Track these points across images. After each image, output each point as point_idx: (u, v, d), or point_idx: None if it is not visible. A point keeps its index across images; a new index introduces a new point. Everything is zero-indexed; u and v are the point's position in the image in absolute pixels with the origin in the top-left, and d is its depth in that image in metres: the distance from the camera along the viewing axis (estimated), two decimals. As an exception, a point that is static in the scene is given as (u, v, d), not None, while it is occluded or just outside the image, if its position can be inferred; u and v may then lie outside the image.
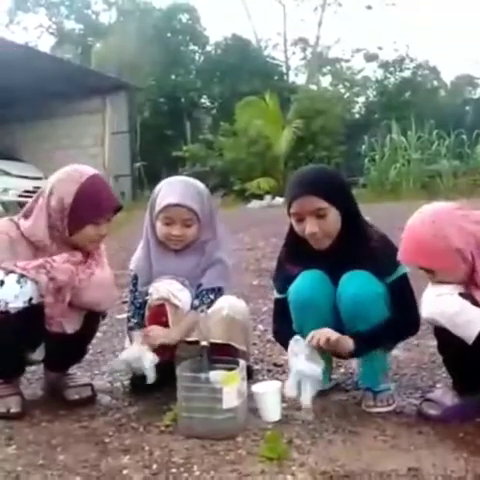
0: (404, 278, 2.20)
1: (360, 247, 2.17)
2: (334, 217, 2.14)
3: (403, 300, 2.18)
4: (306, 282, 2.19)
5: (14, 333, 2.14)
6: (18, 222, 2.29)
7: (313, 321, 2.16)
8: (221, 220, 2.55)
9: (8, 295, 2.12)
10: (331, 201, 2.13)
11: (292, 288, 2.22)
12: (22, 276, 2.14)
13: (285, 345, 2.22)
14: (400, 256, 2.05)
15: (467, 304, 1.94)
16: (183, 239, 2.38)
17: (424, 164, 14.69)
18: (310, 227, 2.13)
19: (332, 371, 2.47)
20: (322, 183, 2.16)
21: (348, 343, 2.12)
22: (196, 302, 2.34)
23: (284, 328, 2.27)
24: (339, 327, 2.16)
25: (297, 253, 2.25)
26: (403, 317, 2.16)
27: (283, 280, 2.29)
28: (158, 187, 2.45)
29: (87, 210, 2.22)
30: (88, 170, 2.30)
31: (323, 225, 2.13)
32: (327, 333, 2.10)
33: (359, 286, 2.12)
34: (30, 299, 2.16)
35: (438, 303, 1.99)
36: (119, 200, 2.40)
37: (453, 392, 2.14)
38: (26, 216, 2.29)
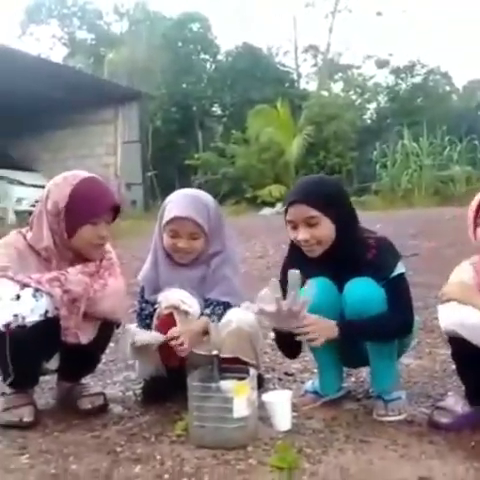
0: (401, 277, 2.20)
1: (357, 255, 2.18)
2: (326, 226, 2.17)
3: (397, 299, 2.16)
4: (313, 290, 2.21)
5: (31, 346, 2.16)
6: (25, 234, 2.33)
7: None
8: (231, 231, 2.55)
9: (24, 309, 2.14)
10: (323, 210, 2.15)
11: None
12: (37, 290, 2.17)
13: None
14: None
15: None
16: (189, 252, 2.40)
17: (436, 170, 14.61)
18: (301, 234, 2.18)
19: (343, 380, 2.47)
20: (315, 192, 2.18)
21: (333, 329, 2.13)
22: (207, 311, 2.35)
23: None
24: None
25: (298, 263, 2.27)
26: (394, 315, 2.14)
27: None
28: (167, 199, 2.48)
29: (82, 210, 2.24)
30: (83, 173, 2.34)
31: (315, 233, 2.17)
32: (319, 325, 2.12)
33: (364, 293, 2.14)
34: (46, 312, 2.18)
35: (457, 314, 2.00)
36: (117, 199, 2.40)
37: (464, 400, 2.14)
38: (31, 227, 2.33)
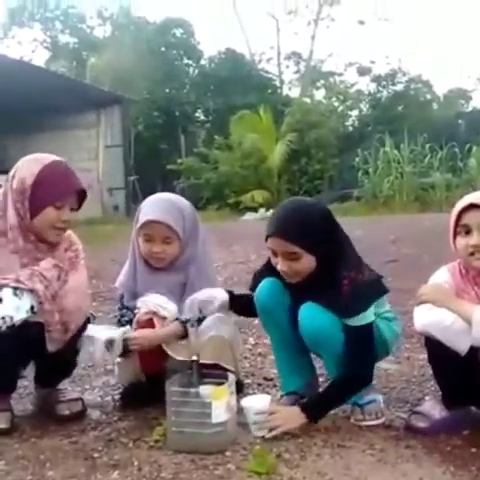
0: (367, 328, 2.13)
1: (331, 286, 2.10)
2: (306, 261, 2.10)
3: (359, 352, 2.12)
4: (264, 288, 2.28)
5: (19, 345, 2.13)
6: None
7: (272, 325, 2.32)
8: (208, 236, 2.56)
9: (10, 309, 2.12)
10: (304, 248, 2.08)
11: (255, 294, 2.31)
12: (16, 288, 2.14)
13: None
14: None
15: (459, 318, 1.96)
16: (164, 256, 2.39)
17: (417, 177, 14.79)
18: (281, 265, 2.14)
19: (320, 384, 2.48)
20: (296, 228, 2.07)
21: (299, 417, 2.12)
22: (187, 316, 2.34)
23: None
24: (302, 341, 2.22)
25: (272, 274, 2.26)
26: (354, 372, 2.14)
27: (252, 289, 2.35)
28: (142, 203, 2.48)
29: (48, 191, 2.22)
30: (54, 157, 2.33)
31: (295, 266, 2.11)
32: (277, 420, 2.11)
33: (314, 315, 2.13)
34: (32, 307, 2.16)
35: (431, 316, 2.02)
36: (83, 185, 2.36)
37: (441, 405, 2.15)
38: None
